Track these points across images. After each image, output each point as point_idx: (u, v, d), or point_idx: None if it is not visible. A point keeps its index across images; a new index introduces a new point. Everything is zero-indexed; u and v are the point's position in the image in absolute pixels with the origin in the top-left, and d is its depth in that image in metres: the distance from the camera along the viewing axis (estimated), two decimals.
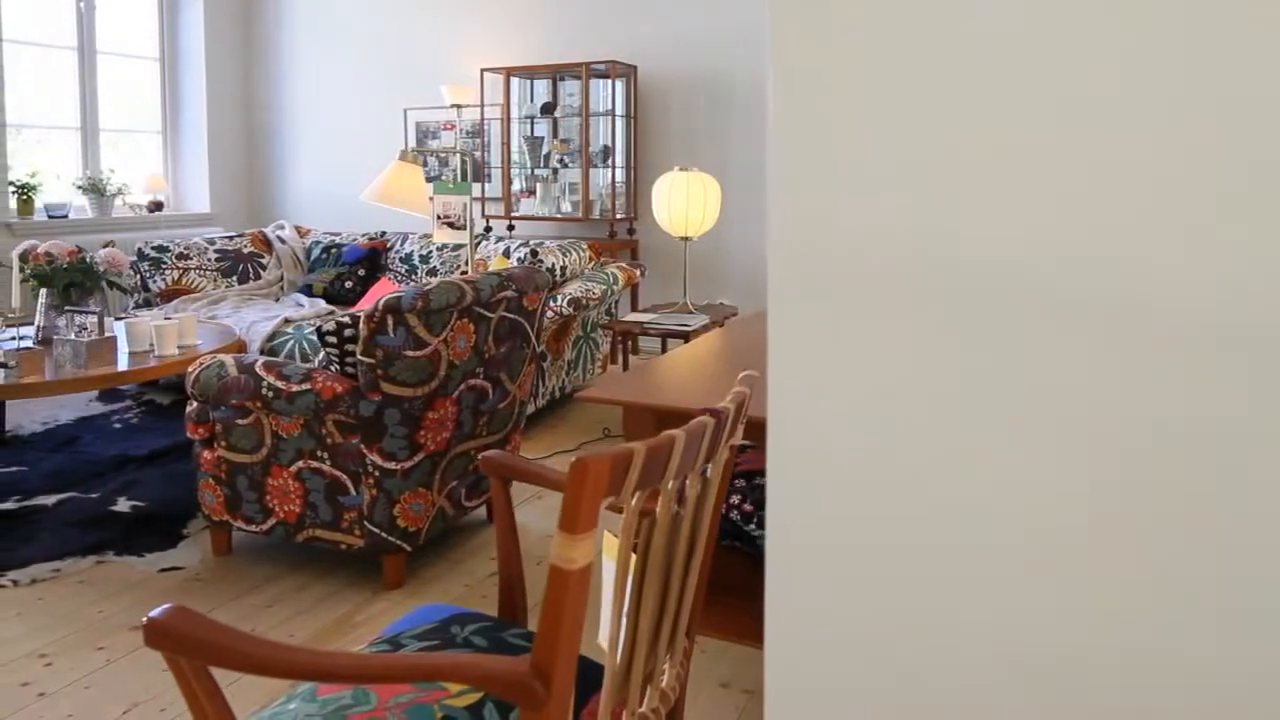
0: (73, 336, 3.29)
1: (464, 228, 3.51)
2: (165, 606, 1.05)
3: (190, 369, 2.85)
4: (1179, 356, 0.61)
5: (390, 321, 2.59)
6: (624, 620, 1.03)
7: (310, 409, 2.67)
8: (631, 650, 1.06)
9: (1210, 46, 0.59)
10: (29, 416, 4.47)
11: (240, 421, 2.80)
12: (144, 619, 1.02)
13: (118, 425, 4.40)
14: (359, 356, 2.63)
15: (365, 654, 0.98)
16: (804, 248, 0.68)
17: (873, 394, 0.68)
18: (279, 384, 2.69)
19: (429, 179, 6.14)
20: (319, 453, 2.73)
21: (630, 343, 4.95)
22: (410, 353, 2.61)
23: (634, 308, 6.08)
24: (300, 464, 2.75)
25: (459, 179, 6.43)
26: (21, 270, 3.59)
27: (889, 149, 0.67)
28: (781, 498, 0.71)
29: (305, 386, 2.68)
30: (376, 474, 2.67)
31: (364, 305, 4.09)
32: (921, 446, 0.67)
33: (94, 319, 3.36)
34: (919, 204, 0.66)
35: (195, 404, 2.87)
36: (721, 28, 5.99)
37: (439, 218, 3.52)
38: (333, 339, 2.69)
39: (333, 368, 2.74)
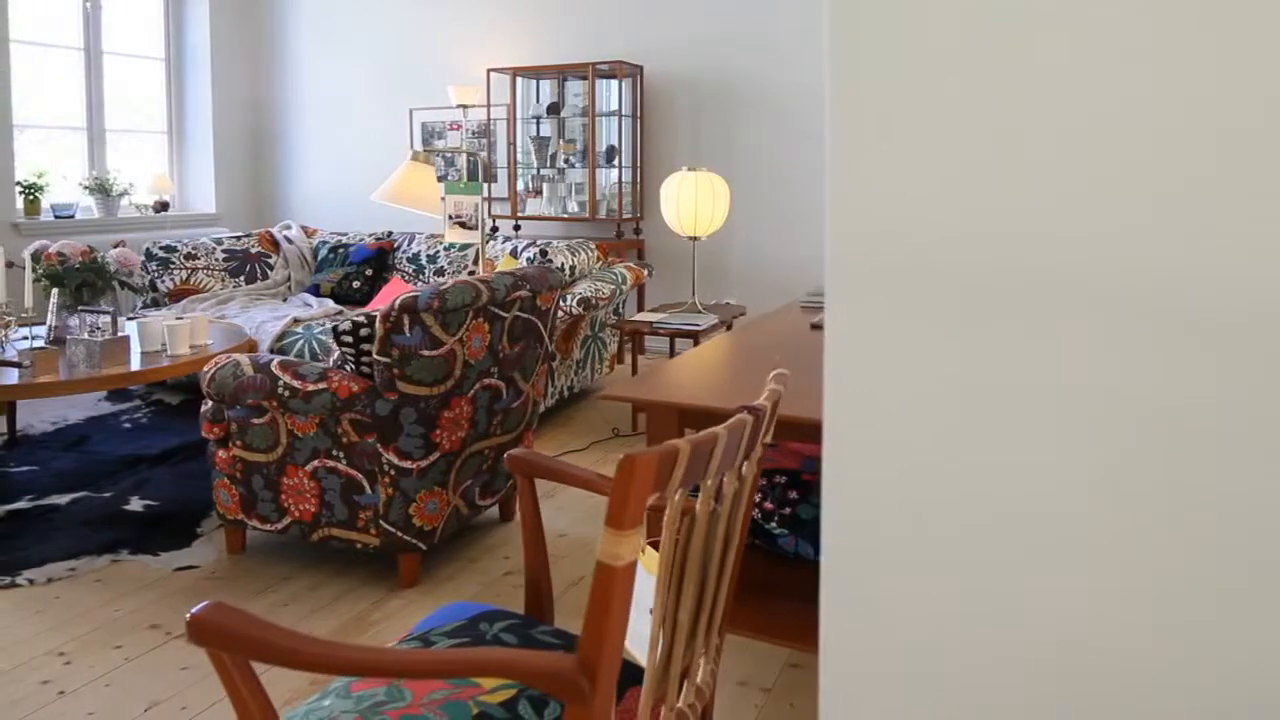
0: (86, 336, 3.29)
1: (475, 227, 3.52)
2: (206, 602, 1.05)
3: (206, 368, 2.86)
4: (1238, 357, 0.62)
5: (406, 321, 2.60)
6: (663, 616, 1.04)
7: (326, 408, 2.68)
8: (670, 646, 1.07)
9: (1270, 46, 0.60)
10: (38, 416, 4.48)
11: (255, 421, 2.81)
12: (187, 615, 1.02)
13: (127, 425, 4.41)
14: (375, 356, 2.64)
15: (410, 649, 0.99)
16: (863, 247, 0.69)
17: (930, 392, 0.69)
18: (295, 383, 2.70)
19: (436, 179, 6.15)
20: (334, 452, 2.74)
21: (636, 342, 4.96)
22: (426, 352, 2.62)
23: (640, 308, 6.09)
24: (316, 463, 2.76)
25: (465, 179, 6.44)
26: (34, 270, 3.60)
27: (946, 149, 0.68)
28: (837, 495, 0.72)
29: (321, 386, 2.68)
30: (392, 473, 2.68)
31: (376, 305, 4.09)
32: (979, 444, 0.68)
33: (107, 319, 3.37)
34: (977, 204, 0.67)
35: (210, 403, 2.87)
36: (728, 28, 6.00)
37: (450, 218, 3.53)
38: (348, 338, 2.69)
39: (348, 367, 2.75)
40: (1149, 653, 0.65)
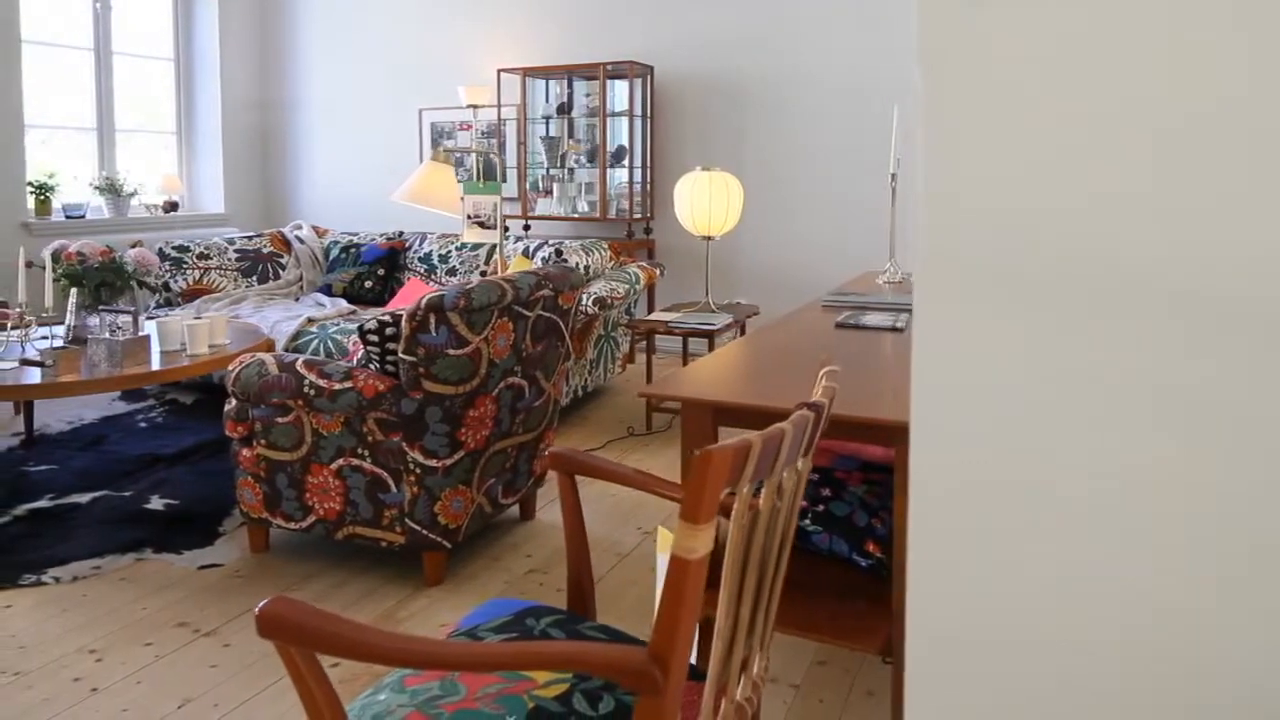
0: (107, 335, 3.30)
1: (494, 227, 3.53)
2: (273, 597, 1.07)
3: (231, 367, 2.87)
4: None
5: (433, 320, 2.61)
6: (728, 609, 1.05)
7: (352, 407, 2.69)
8: (732, 639, 1.08)
9: None
10: (54, 416, 4.49)
11: (280, 420, 2.82)
12: (256, 609, 1.04)
13: (143, 424, 4.42)
14: (401, 355, 2.65)
15: (480, 643, 1.00)
16: (957, 245, 0.70)
17: (1021, 394, 0.70)
18: (320, 382, 2.71)
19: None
20: (360, 450, 2.75)
21: (649, 342, 4.97)
22: (452, 351, 2.63)
23: (649, 308, 6.10)
24: (341, 461, 2.77)
25: (477, 179, 6.45)
26: (54, 270, 3.61)
27: (1047, 145, 0.69)
28: (924, 494, 0.73)
29: (347, 385, 2.70)
30: (418, 471, 2.69)
31: (395, 304, 4.11)
32: (1074, 448, 0.69)
33: (128, 318, 3.38)
34: (1078, 202, 0.68)
35: (234, 402, 2.89)
36: (738, 27, 6.01)
37: (469, 217, 3.54)
38: (374, 337, 2.71)
39: (372, 366, 2.76)
40: (1244, 626, 0.67)
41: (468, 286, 2.65)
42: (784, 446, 0.99)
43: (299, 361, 2.79)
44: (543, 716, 1.23)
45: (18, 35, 5.91)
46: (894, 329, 2.50)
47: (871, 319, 2.61)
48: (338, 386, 2.70)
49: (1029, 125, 0.69)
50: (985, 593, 0.71)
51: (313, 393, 2.72)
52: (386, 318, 2.70)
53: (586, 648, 0.95)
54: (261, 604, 1.06)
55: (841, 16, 5.76)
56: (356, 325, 4.53)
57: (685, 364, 4.65)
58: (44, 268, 3.62)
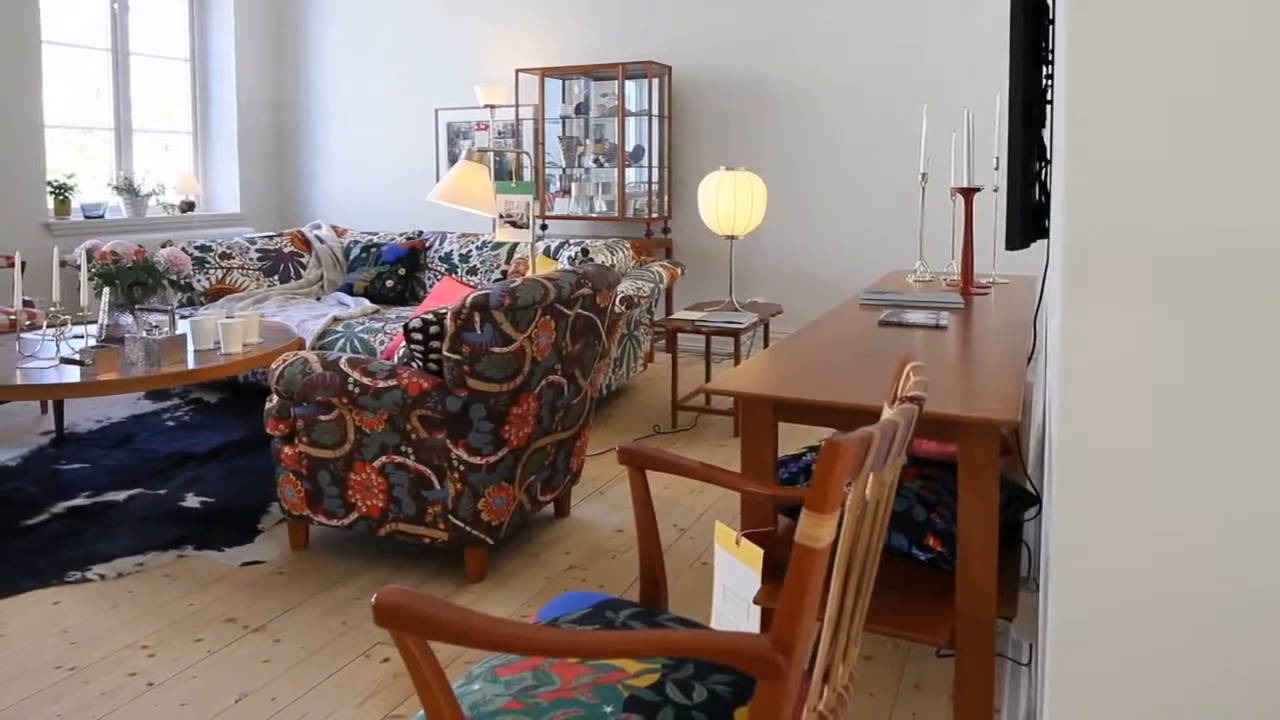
0: (144, 334, 3.32)
1: (526, 226, 3.55)
2: (389, 587, 1.09)
3: (274, 365, 2.89)
4: None
5: (478, 318, 2.63)
6: (839, 600, 1.07)
7: (396, 404, 2.71)
8: (836, 628, 1.10)
9: None
10: (82, 415, 4.51)
11: (323, 417, 2.84)
12: (373, 598, 1.06)
13: (170, 423, 4.44)
14: (445, 353, 2.67)
15: (600, 632, 1.02)
16: (1104, 241, 0.72)
17: (1169, 386, 0.72)
18: (365, 380, 2.73)
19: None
20: (403, 448, 2.77)
21: (669, 341, 4.99)
22: (497, 349, 2.65)
23: (667, 308, 6.13)
24: (384, 459, 2.79)
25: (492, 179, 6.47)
26: (89, 270, 3.63)
27: (1196, 142, 0.71)
28: (1072, 486, 0.75)
29: (391, 383, 2.72)
30: (462, 468, 2.71)
31: (429, 303, 4.13)
32: (1225, 441, 0.72)
33: (165, 317, 3.40)
34: (1230, 198, 0.70)
35: (276, 400, 2.91)
36: (756, 27, 6.03)
37: (501, 216, 3.56)
38: (418, 335, 2.73)
39: (414, 364, 2.78)
40: None
41: (512, 285, 2.67)
42: (897, 438, 1.02)
43: (343, 360, 2.81)
44: (639, 705, 1.25)
45: (38, 37, 5.93)
46: (937, 326, 2.52)
47: (913, 317, 2.63)
48: (382, 384, 2.72)
49: (1181, 114, 0.71)
50: (1145, 554, 0.74)
51: (357, 390, 2.74)
52: (430, 316, 2.73)
53: (711, 635, 0.97)
54: (378, 593, 1.08)
55: (862, 17, 5.79)
56: (382, 324, 4.56)
57: (708, 363, 4.67)
58: (78, 267, 3.64)
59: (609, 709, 1.24)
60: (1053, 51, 1.83)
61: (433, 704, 1.09)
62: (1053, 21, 1.84)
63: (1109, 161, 0.73)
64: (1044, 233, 1.95)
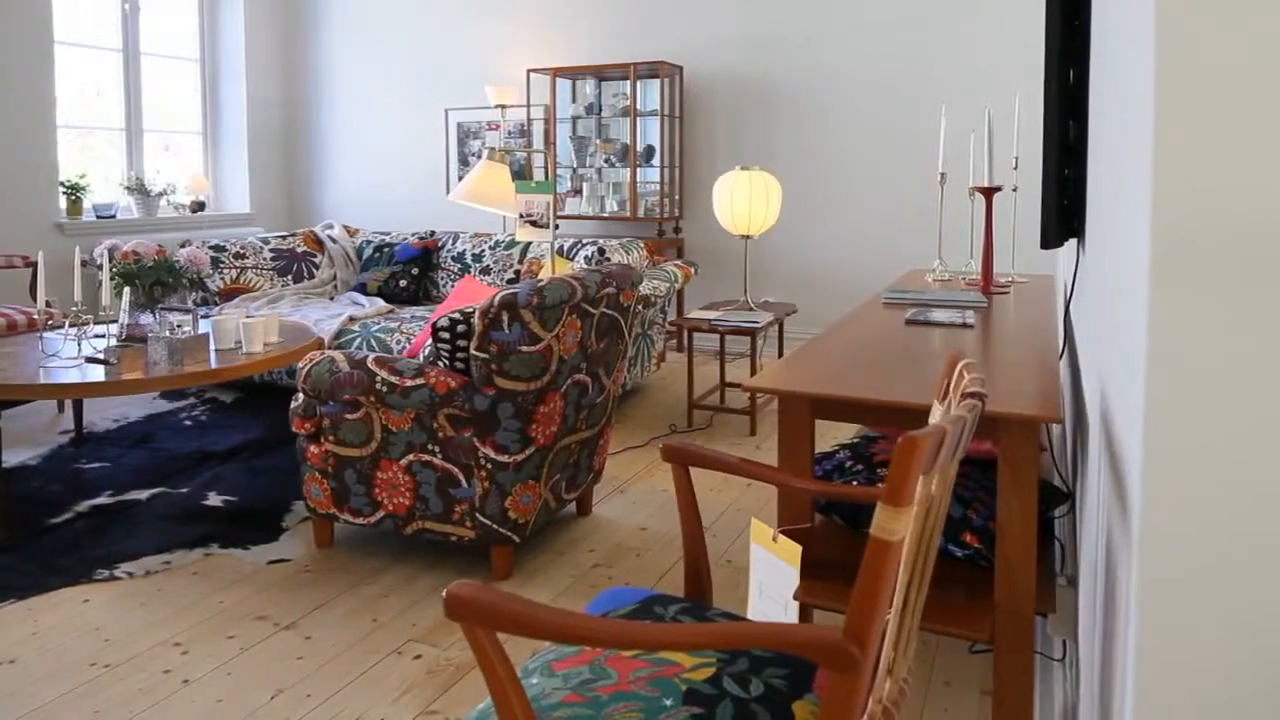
0: (168, 334, 3.34)
1: (546, 225, 3.57)
2: (460, 582, 1.10)
3: (301, 364, 2.91)
4: None
5: (506, 317, 2.65)
6: (904, 594, 1.09)
7: (424, 403, 2.73)
8: (900, 621, 1.12)
9: None
10: (99, 414, 4.52)
11: (349, 416, 2.85)
12: (444, 592, 1.07)
13: (188, 422, 4.45)
14: (473, 351, 2.69)
15: (679, 623, 1.04)
16: (1191, 233, 0.74)
17: (1256, 382, 0.74)
18: (393, 379, 2.75)
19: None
20: (430, 446, 2.78)
21: (681, 340, 5.01)
22: (525, 348, 2.66)
23: (679, 308, 6.15)
24: (411, 457, 2.80)
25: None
26: (110, 269, 3.64)
27: (1270, 138, 0.72)
28: (1161, 487, 0.77)
29: (419, 381, 2.73)
30: (489, 467, 2.73)
31: (451, 302, 4.14)
32: None
33: (187, 316, 3.41)
34: None
35: (302, 398, 2.92)
36: (767, 27, 6.05)
37: (522, 216, 3.58)
38: (445, 334, 2.74)
39: (440, 362, 2.79)
40: None
41: (540, 284, 2.68)
42: (966, 433, 1.03)
43: (370, 358, 2.83)
44: (698, 698, 1.26)
45: (50, 37, 5.94)
46: (964, 325, 2.54)
47: (939, 315, 2.65)
48: (410, 383, 2.74)
49: (1268, 114, 0.73)
50: (1230, 546, 0.75)
51: (385, 389, 2.75)
52: (458, 315, 2.74)
53: (786, 627, 0.99)
54: (449, 587, 1.10)
55: (876, 17, 5.80)
56: (397, 324, 4.57)
57: (722, 363, 4.69)
58: (99, 267, 3.65)
59: (669, 702, 1.26)
60: (1087, 52, 1.84)
61: (502, 695, 1.11)
62: (1085, 23, 1.85)
63: (1202, 158, 0.74)
64: (1073, 232, 1.96)
